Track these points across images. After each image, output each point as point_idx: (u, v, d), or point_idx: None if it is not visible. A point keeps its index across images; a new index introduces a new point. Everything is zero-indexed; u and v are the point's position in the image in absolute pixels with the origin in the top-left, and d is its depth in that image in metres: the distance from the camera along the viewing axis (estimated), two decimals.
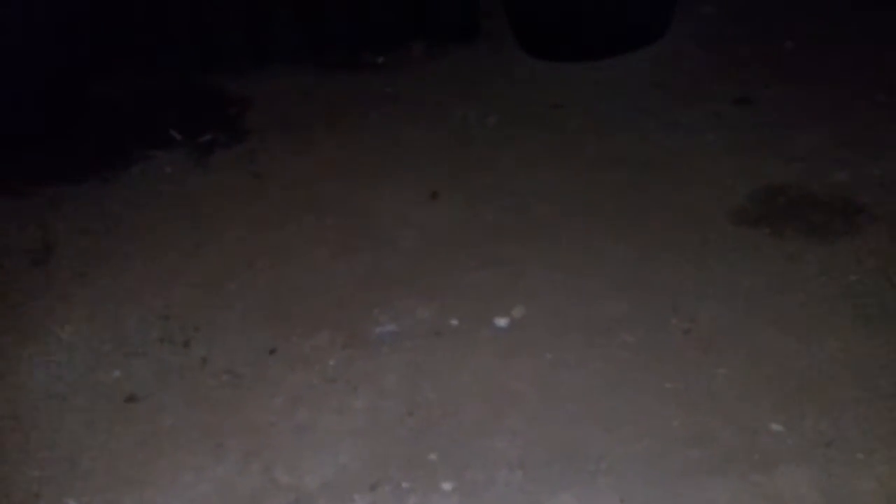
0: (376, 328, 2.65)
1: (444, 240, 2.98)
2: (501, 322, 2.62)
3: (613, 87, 3.73)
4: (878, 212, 2.84)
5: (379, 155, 3.47)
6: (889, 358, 2.34)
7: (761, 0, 4.14)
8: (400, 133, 3.59)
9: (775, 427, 2.21)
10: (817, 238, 2.78)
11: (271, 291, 2.85)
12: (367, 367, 2.52)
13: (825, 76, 3.52)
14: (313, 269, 2.92)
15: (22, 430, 2.43)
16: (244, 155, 3.58)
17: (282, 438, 2.33)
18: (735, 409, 2.27)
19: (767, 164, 3.12)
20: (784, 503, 2.04)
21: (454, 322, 2.64)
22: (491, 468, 2.19)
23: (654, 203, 3.02)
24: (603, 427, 2.26)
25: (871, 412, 2.21)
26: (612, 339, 2.51)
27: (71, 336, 2.73)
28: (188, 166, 3.54)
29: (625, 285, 2.69)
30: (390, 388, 2.44)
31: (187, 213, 3.25)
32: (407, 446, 2.27)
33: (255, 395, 2.48)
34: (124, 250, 3.08)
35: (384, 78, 4.00)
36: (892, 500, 2.01)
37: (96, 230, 3.20)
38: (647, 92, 3.66)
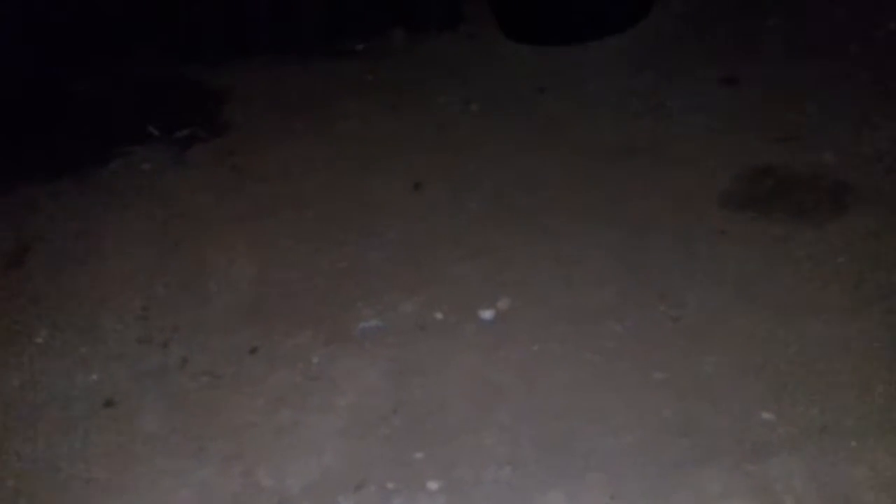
0: (360, 323, 2.60)
1: (427, 231, 2.93)
2: (487, 314, 2.57)
3: (597, 70, 3.67)
4: (865, 192, 2.79)
5: (360, 145, 3.41)
6: (881, 342, 2.30)
7: None
8: (381, 122, 3.53)
9: (766, 415, 2.17)
10: (805, 220, 2.73)
11: (252, 288, 2.79)
12: (350, 363, 2.47)
13: (810, 53, 3.47)
14: (295, 264, 2.87)
15: None
16: (223, 149, 3.52)
17: (264, 440, 2.29)
18: (725, 398, 2.23)
19: (754, 145, 3.07)
20: (776, 492, 2.00)
21: (439, 315, 2.59)
22: (478, 466, 2.14)
23: (641, 188, 2.97)
24: (592, 420, 2.22)
25: (863, 398, 2.17)
26: (600, 329, 2.47)
27: (46, 339, 2.68)
28: (166, 162, 3.47)
29: (611, 273, 2.65)
30: (374, 386, 2.40)
31: (165, 210, 3.19)
32: (392, 445, 2.23)
33: (236, 395, 2.43)
34: (101, 249, 3.02)
35: (364, 65, 3.93)
36: (887, 487, 1.97)
37: (72, 229, 3.14)
38: (631, 74, 3.60)
